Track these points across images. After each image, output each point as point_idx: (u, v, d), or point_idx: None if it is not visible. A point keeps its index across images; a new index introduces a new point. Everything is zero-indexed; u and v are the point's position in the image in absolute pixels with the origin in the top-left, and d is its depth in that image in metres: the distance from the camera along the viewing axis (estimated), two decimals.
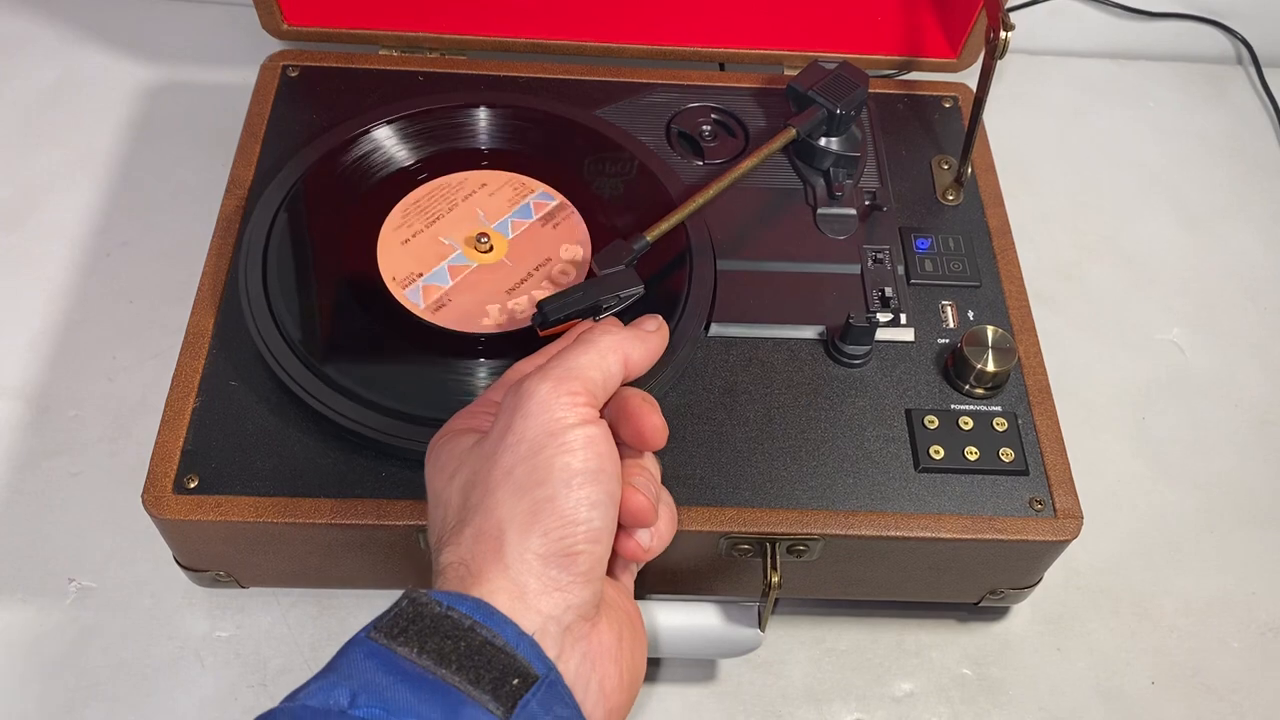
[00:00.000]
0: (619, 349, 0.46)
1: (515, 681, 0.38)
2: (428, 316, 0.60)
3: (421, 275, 0.62)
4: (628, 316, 0.51)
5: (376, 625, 0.39)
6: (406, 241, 0.63)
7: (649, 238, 0.58)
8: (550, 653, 0.40)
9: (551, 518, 0.41)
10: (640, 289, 0.55)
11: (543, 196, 0.65)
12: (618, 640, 0.43)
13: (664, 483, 0.57)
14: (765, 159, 0.63)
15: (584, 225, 0.64)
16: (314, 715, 0.36)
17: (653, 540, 0.46)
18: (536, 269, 0.62)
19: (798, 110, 0.68)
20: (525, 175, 0.66)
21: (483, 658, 0.38)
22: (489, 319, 0.60)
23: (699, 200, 0.61)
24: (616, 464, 0.44)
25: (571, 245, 0.63)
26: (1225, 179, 0.90)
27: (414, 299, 0.61)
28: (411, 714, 0.36)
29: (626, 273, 0.56)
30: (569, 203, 0.65)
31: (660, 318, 0.49)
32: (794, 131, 0.66)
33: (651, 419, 0.45)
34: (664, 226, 0.59)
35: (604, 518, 0.42)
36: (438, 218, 0.64)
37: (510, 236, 0.63)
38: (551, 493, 0.41)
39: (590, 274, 0.58)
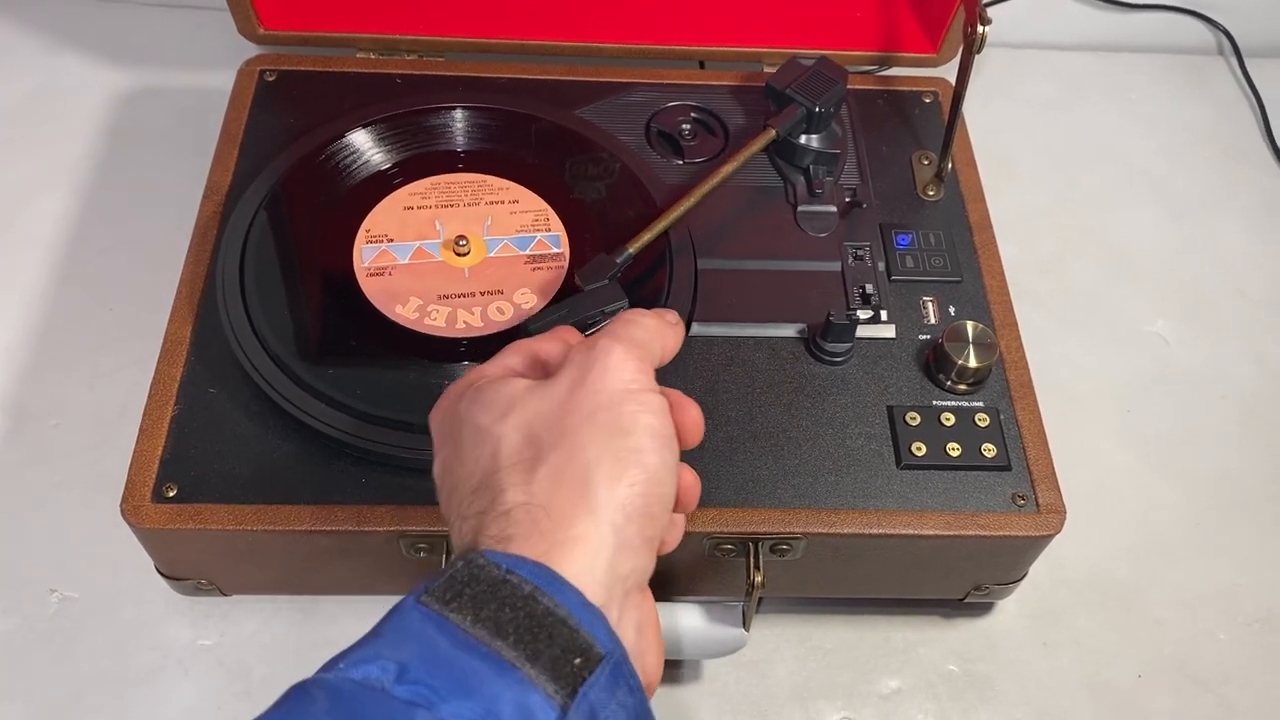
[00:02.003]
0: (661, 334, 0.46)
1: (577, 661, 0.35)
2: (368, 284, 0.61)
3: (391, 240, 0.62)
4: None
5: (429, 589, 0.36)
6: (410, 209, 0.64)
7: (631, 250, 0.58)
8: (612, 617, 0.37)
9: (638, 469, 0.40)
10: (624, 302, 0.56)
11: (550, 239, 0.64)
12: (656, 617, 0.42)
13: None
14: (745, 162, 0.63)
15: (560, 280, 0.63)
16: (355, 689, 0.34)
17: (673, 532, 0.46)
18: (482, 294, 0.61)
19: (777, 109, 0.68)
20: (543, 202, 0.65)
21: (543, 630, 0.35)
22: (404, 309, 0.60)
23: (680, 208, 0.61)
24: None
25: (530, 292, 0.62)
26: (1208, 170, 0.90)
27: (366, 256, 0.61)
28: (462, 694, 0.33)
29: (610, 287, 0.56)
30: (567, 256, 0.63)
31: (676, 312, 0.49)
32: (774, 132, 0.66)
33: (695, 412, 0.45)
34: (646, 237, 0.59)
35: (674, 487, 0.42)
36: (453, 205, 0.64)
37: (490, 254, 0.63)
38: (638, 444, 0.40)
39: (574, 289, 0.58)
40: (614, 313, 0.55)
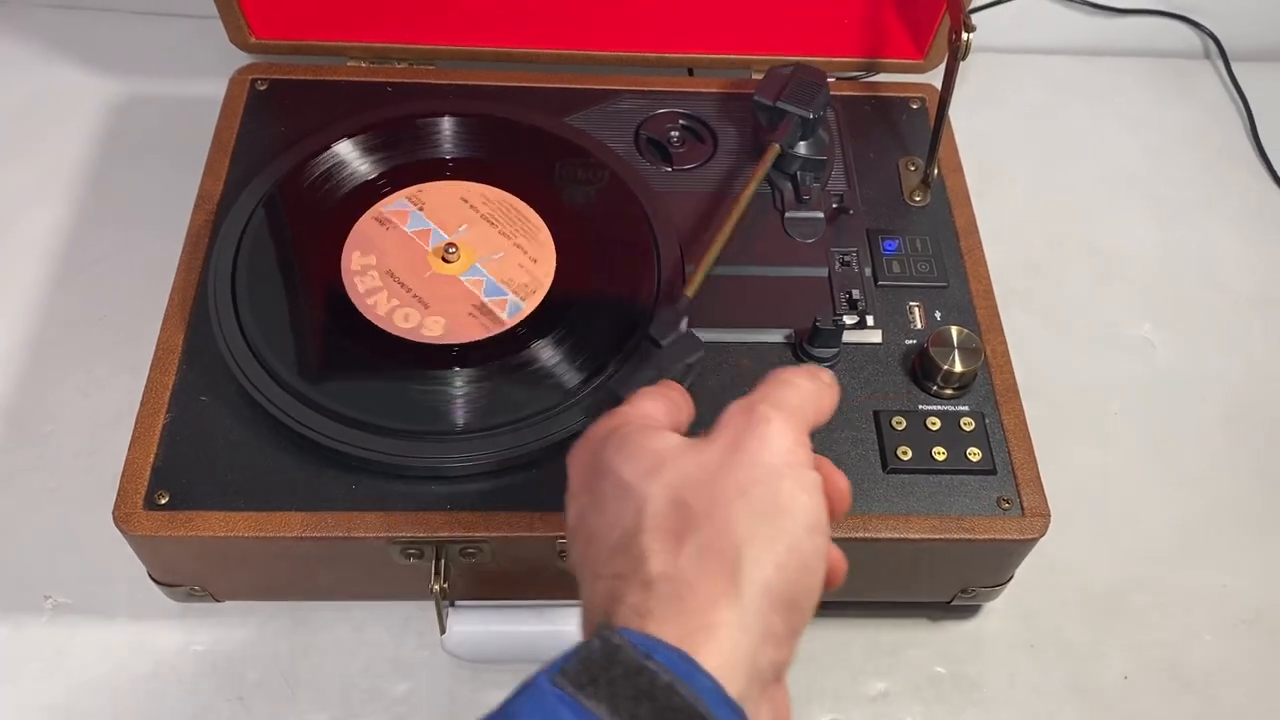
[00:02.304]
0: (817, 398, 0.43)
1: None
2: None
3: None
4: None
5: (563, 669, 0.34)
6: (466, 202, 0.65)
7: (690, 294, 0.58)
8: (749, 712, 0.35)
9: (790, 555, 0.37)
10: (702, 351, 0.55)
11: (513, 305, 0.62)
12: (789, 709, 0.40)
13: None
14: (760, 181, 0.64)
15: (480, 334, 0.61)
16: None
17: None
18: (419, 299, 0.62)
19: (768, 122, 0.69)
20: (551, 269, 0.64)
21: None
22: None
23: (720, 241, 0.61)
24: None
25: (441, 323, 0.61)
26: (1195, 173, 0.90)
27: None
28: None
29: (687, 337, 0.56)
30: (508, 326, 0.62)
31: (830, 371, 0.47)
32: (778, 147, 0.66)
33: (843, 482, 0.43)
34: (699, 277, 0.59)
35: (823, 575, 0.39)
36: (493, 222, 0.65)
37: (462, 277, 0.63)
38: (792, 529, 0.38)
39: (650, 340, 0.56)
40: (696, 364, 0.55)
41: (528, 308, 0.62)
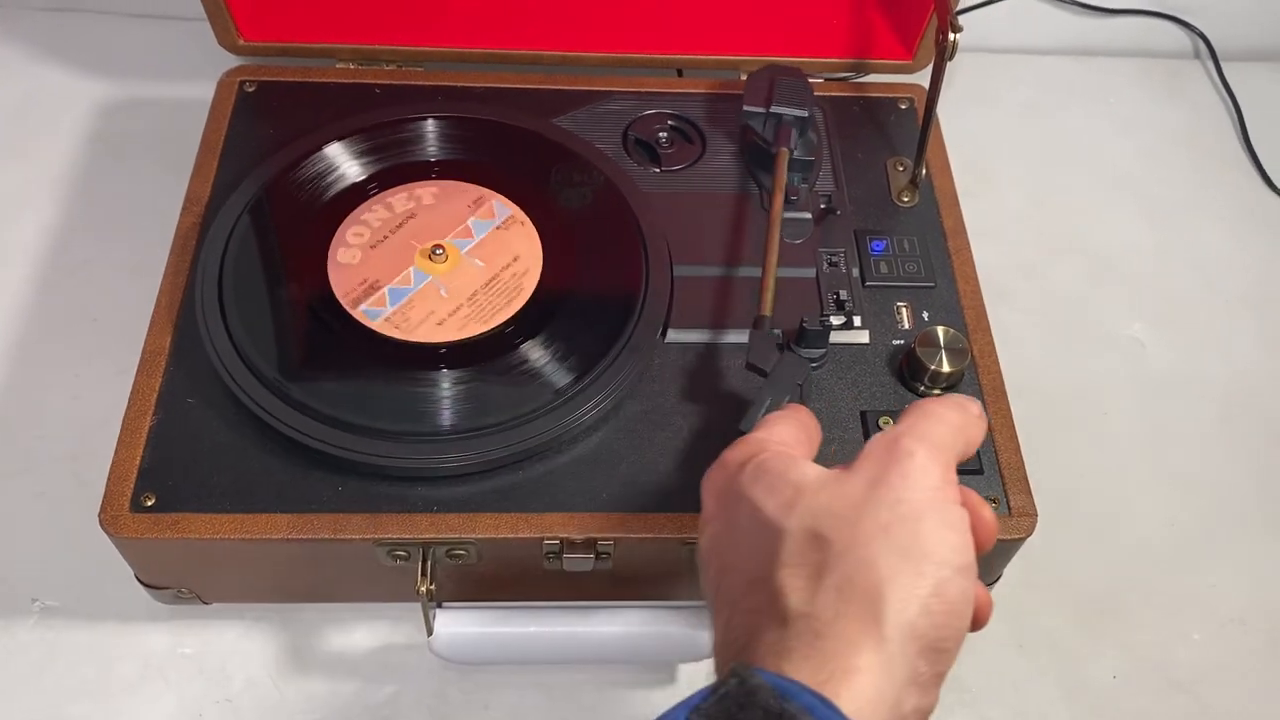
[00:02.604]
0: (965, 430, 0.42)
1: None
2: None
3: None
4: None
5: (699, 707, 0.33)
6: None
7: (767, 313, 0.58)
8: None
9: (935, 598, 0.36)
10: (809, 368, 0.55)
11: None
12: None
13: (623, 491, 0.58)
14: (783, 190, 0.64)
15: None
16: None
17: None
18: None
19: (762, 128, 0.69)
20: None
21: None
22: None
23: (772, 257, 0.60)
24: None
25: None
26: (1186, 173, 0.90)
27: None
28: None
29: (791, 358, 0.55)
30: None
31: (978, 401, 0.45)
32: (788, 151, 0.67)
33: (989, 513, 0.41)
34: (769, 295, 0.59)
35: (970, 618, 0.38)
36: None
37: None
38: (938, 570, 0.36)
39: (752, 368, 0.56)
40: (805, 382, 0.54)
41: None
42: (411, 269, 0.63)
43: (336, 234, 0.64)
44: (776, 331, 0.57)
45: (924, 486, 0.38)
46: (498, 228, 0.65)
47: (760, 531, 0.39)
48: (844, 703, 0.33)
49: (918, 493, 0.38)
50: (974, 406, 0.43)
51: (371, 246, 0.63)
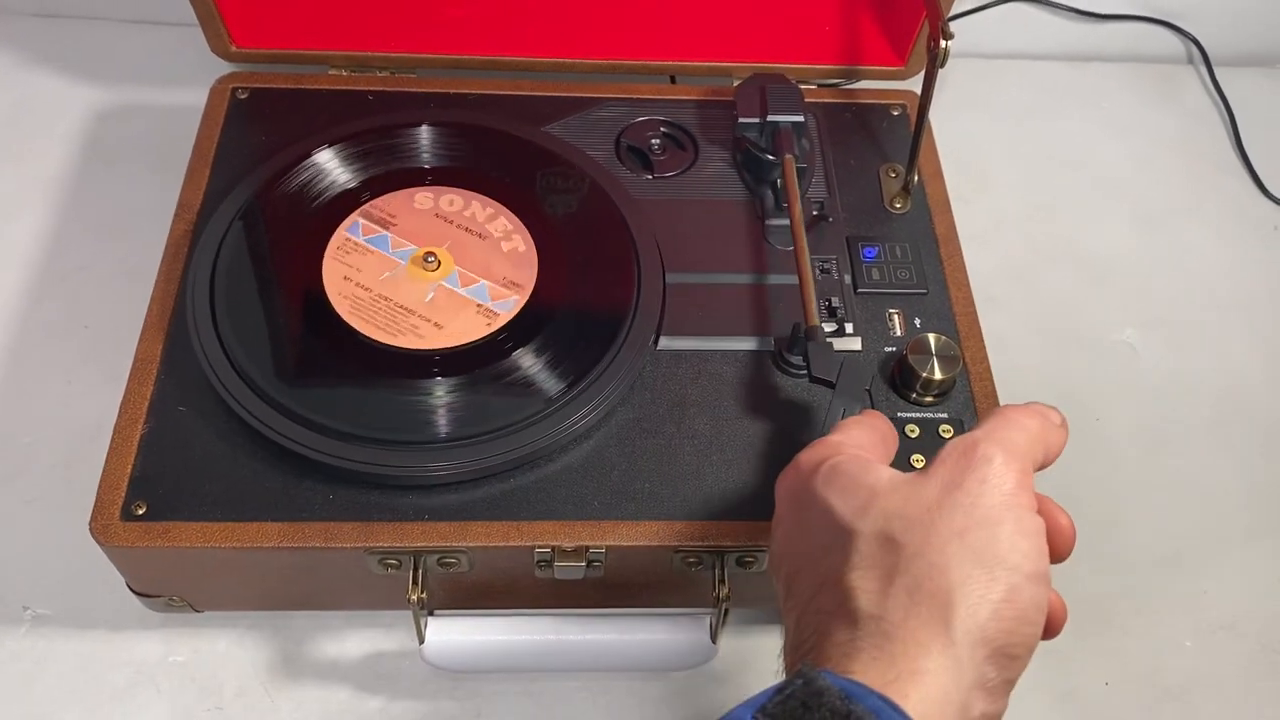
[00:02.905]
0: (1045, 438, 0.42)
1: None
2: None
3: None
4: None
5: (764, 707, 0.33)
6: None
7: (816, 323, 0.59)
8: None
9: (1007, 603, 0.36)
10: (874, 370, 0.56)
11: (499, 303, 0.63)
12: None
13: (614, 499, 0.58)
14: (799, 197, 0.65)
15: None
16: None
17: None
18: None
19: (759, 137, 0.69)
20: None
21: None
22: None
23: (805, 267, 0.61)
24: None
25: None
26: (1179, 178, 0.90)
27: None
28: None
29: (851, 364, 0.56)
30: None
31: (1058, 410, 0.45)
32: (791, 158, 0.67)
33: (1066, 520, 0.41)
34: (811, 307, 0.59)
35: (1042, 626, 0.38)
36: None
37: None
38: (1011, 576, 0.36)
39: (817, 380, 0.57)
40: (871, 385, 0.55)
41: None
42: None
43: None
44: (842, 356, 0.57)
45: (1001, 492, 0.38)
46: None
47: (832, 533, 0.39)
48: (910, 705, 0.34)
49: (994, 498, 0.38)
50: (1055, 415, 0.44)
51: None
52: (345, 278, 0.62)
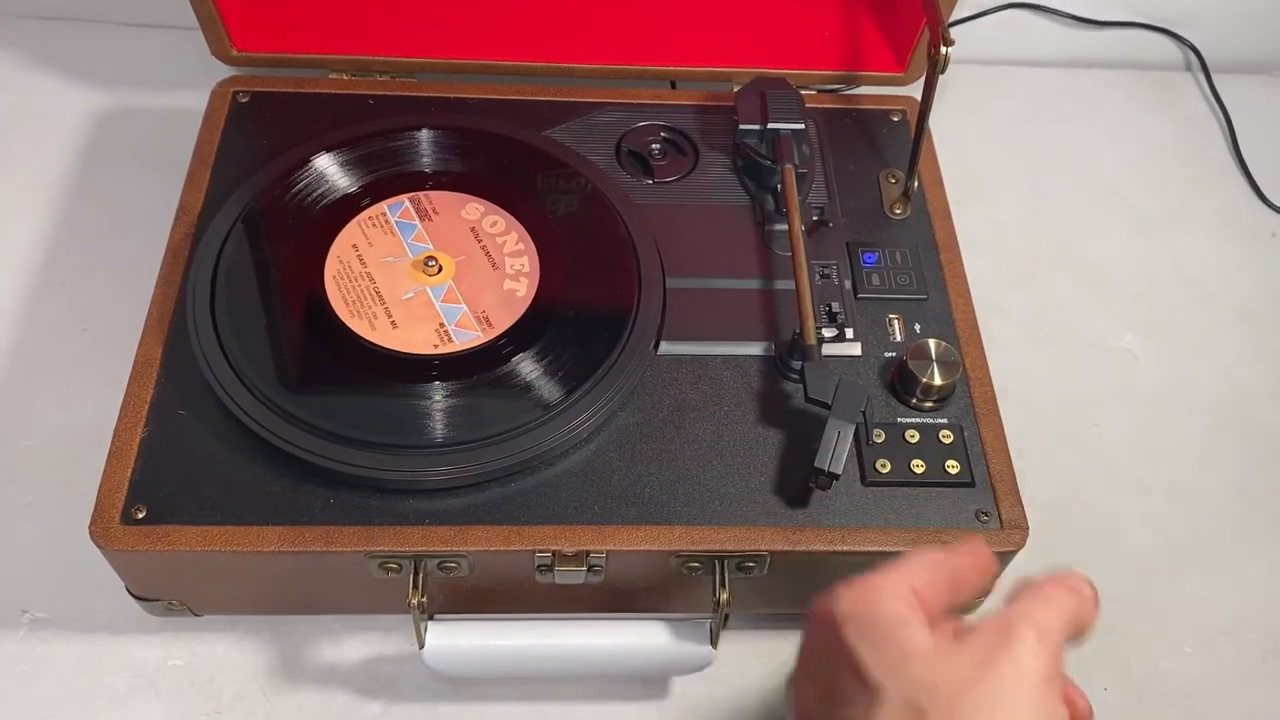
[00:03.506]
0: (1078, 613, 0.43)
1: None
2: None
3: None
4: None
5: None
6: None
7: (813, 342, 0.59)
8: None
9: None
10: (869, 393, 0.56)
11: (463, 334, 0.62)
12: None
13: (615, 503, 0.58)
14: (798, 207, 0.65)
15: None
16: None
17: None
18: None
19: (760, 143, 0.69)
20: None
21: None
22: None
23: (804, 282, 0.61)
24: None
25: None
26: (1177, 185, 0.91)
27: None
28: None
29: (849, 384, 0.56)
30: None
31: (1087, 578, 0.46)
32: (791, 168, 0.67)
33: (1083, 704, 0.43)
34: (809, 325, 0.60)
35: None
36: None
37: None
38: None
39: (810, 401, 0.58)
40: (868, 407, 0.55)
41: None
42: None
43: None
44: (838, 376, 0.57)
45: (1031, 676, 0.39)
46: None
47: (856, 689, 0.40)
48: None
49: (1024, 682, 0.39)
50: (1087, 589, 0.44)
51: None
52: (354, 245, 0.62)
